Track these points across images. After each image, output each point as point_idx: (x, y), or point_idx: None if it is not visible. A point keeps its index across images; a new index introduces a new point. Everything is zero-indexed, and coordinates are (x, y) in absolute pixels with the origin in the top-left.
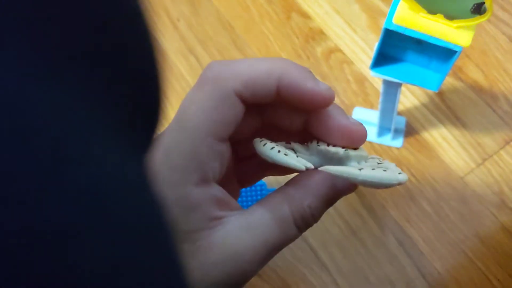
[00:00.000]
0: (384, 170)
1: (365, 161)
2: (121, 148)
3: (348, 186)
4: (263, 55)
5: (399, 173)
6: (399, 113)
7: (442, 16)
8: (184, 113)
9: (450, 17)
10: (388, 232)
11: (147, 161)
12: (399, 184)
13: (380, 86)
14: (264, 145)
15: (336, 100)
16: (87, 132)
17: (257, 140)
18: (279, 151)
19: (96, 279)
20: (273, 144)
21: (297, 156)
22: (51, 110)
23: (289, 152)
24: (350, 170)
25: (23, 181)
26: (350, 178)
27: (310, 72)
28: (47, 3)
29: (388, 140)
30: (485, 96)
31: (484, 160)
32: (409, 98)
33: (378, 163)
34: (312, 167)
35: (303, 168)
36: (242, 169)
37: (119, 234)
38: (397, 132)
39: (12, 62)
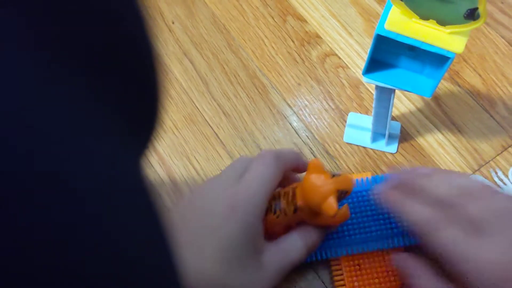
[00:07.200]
0: None
1: None
2: (120, 151)
3: None
4: (258, 58)
5: None
6: (394, 118)
7: (434, 21)
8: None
9: (443, 22)
10: None
11: (143, 163)
12: None
13: None
14: None
15: (331, 105)
16: (86, 134)
17: None
18: None
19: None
20: None
21: None
22: (53, 111)
23: None
24: None
25: (26, 181)
26: None
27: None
28: (55, 6)
29: (382, 146)
30: (482, 101)
31: (481, 166)
32: (404, 103)
33: None
34: None
35: None
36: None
37: (119, 234)
38: (391, 137)
39: (16, 66)
